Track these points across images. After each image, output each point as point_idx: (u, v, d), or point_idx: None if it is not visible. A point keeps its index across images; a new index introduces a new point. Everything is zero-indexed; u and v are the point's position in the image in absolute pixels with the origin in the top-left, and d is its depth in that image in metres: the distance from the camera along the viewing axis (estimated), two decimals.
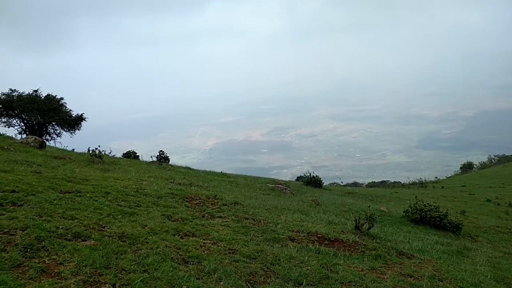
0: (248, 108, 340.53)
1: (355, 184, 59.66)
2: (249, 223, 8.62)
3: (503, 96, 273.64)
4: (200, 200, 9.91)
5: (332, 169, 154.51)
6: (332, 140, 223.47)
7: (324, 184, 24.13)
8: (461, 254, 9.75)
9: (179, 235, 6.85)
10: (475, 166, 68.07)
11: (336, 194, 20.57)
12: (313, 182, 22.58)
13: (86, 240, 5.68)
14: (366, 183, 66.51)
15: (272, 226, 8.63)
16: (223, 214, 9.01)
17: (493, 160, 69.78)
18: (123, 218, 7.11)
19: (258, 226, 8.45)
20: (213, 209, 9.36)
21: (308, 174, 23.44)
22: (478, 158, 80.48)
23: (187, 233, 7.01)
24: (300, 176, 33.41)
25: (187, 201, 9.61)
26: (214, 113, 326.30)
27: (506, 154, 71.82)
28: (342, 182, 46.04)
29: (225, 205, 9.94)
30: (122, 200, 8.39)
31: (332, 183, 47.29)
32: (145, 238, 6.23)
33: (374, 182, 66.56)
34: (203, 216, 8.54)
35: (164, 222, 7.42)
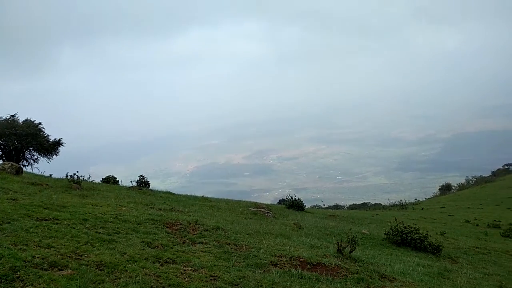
0: (230, 132, 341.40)
1: (336, 207, 59.79)
2: (231, 248, 8.53)
3: (480, 118, 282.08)
4: (181, 226, 9.78)
5: (313, 191, 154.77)
6: (314, 163, 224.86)
7: (306, 207, 24.13)
8: (442, 276, 9.81)
9: (159, 262, 6.73)
10: (453, 188, 69.32)
11: (318, 217, 20.58)
12: (295, 205, 22.57)
13: (62, 270, 5.52)
14: (348, 205, 66.80)
15: (254, 251, 8.55)
16: (205, 240, 8.90)
17: (470, 181, 71.23)
18: (101, 246, 6.95)
19: (240, 252, 8.36)
20: (194, 234, 9.24)
21: (290, 197, 23.43)
22: (456, 179, 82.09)
23: (168, 260, 6.89)
24: (282, 199, 33.40)
25: (167, 227, 9.46)
26: (196, 136, 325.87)
27: (483, 175, 73.52)
28: (324, 205, 46.19)
29: (207, 230, 9.83)
30: (100, 227, 8.21)
31: (314, 205, 47.38)
32: (124, 266, 6.09)
33: (355, 204, 66.92)
34: (184, 242, 8.41)
35: (143, 249, 7.28)
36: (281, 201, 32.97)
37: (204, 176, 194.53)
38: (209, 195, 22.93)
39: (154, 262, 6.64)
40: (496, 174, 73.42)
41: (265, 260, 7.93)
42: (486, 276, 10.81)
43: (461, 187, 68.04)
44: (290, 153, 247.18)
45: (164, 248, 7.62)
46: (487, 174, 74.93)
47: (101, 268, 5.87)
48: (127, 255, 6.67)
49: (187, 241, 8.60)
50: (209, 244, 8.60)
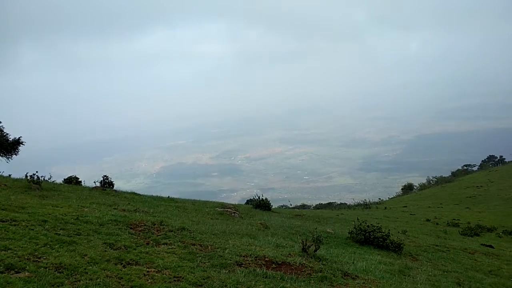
0: (198, 132, 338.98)
1: (303, 206, 60.48)
2: (196, 249, 8.47)
3: (440, 120, 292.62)
4: (145, 227, 9.62)
5: (281, 191, 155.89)
6: (281, 163, 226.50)
7: (273, 207, 24.27)
8: (403, 273, 10.10)
9: (122, 264, 6.59)
10: (415, 187, 71.52)
11: (285, 216, 20.75)
12: (262, 205, 22.65)
13: (19, 272, 5.33)
14: (314, 205, 67.62)
15: (219, 251, 8.53)
16: (169, 240, 8.79)
17: (431, 182, 73.76)
18: (61, 248, 6.74)
19: (205, 252, 8.32)
20: (159, 235, 9.11)
21: (257, 197, 23.50)
22: (417, 179, 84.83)
23: (130, 262, 6.76)
24: (250, 199, 33.47)
25: (131, 228, 9.29)
26: (163, 136, 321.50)
27: (443, 176, 76.29)
28: (290, 205, 46.62)
29: (172, 231, 9.71)
30: (60, 229, 7.96)
31: (281, 205, 47.79)
32: (85, 269, 5.94)
33: (322, 204, 67.83)
34: (147, 244, 8.28)
35: (105, 250, 7.11)
36: (249, 201, 33.04)
37: (170, 177, 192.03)
38: (175, 196, 22.66)
39: (116, 264, 6.50)
40: (455, 174, 76.28)
41: (230, 260, 7.92)
42: (445, 273, 11.19)
43: (422, 187, 70.31)
44: (258, 153, 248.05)
45: (127, 249, 7.47)
46: (447, 174, 77.81)
47: (60, 271, 5.70)
48: (88, 257, 6.50)
49: (151, 242, 8.47)
50: (174, 245, 8.51)
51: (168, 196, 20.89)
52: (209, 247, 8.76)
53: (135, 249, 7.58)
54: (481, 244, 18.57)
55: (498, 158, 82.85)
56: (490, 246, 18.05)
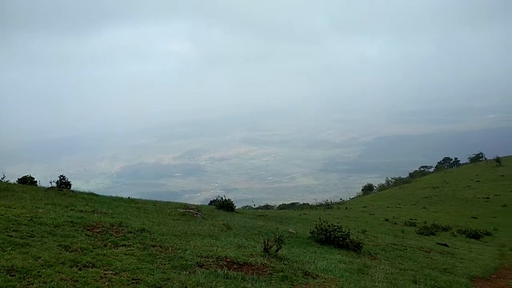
0: (162, 131, 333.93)
1: (266, 207, 60.85)
2: (156, 250, 8.32)
3: (398, 123, 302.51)
4: (103, 228, 9.35)
5: (245, 192, 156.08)
6: (245, 164, 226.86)
7: (236, 208, 24.24)
8: (362, 271, 10.34)
9: (77, 266, 6.37)
10: (374, 188, 73.60)
11: (248, 217, 20.77)
12: (225, 205, 22.57)
13: None
14: (277, 205, 68.22)
15: (180, 252, 8.42)
16: (128, 242, 8.58)
17: (390, 182, 76.17)
18: (13, 250, 6.44)
19: (166, 254, 8.19)
20: (117, 237, 8.88)
21: (221, 198, 23.39)
22: (376, 180, 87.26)
23: (87, 264, 6.55)
24: (213, 200, 33.26)
25: (88, 230, 9.00)
26: (125, 136, 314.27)
27: (401, 177, 78.93)
28: (254, 205, 46.82)
29: (131, 232, 9.49)
30: (13, 230, 7.61)
31: (245, 206, 47.83)
32: (38, 272, 5.70)
33: (285, 204, 68.52)
34: (105, 245, 8.04)
35: (60, 253, 6.86)
36: (212, 202, 32.83)
37: (131, 177, 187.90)
38: (136, 197, 22.19)
39: (71, 267, 6.28)
40: (413, 175, 79.04)
41: (191, 261, 7.84)
42: (402, 271, 11.53)
43: (382, 187, 72.42)
44: (222, 153, 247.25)
45: (83, 251, 7.23)
46: (405, 175, 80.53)
47: (12, 274, 5.44)
48: (42, 260, 6.24)
49: (109, 244, 8.24)
50: (133, 246, 8.32)
51: (129, 197, 20.41)
52: (170, 249, 8.63)
53: (92, 251, 7.35)
54: (437, 243, 19.29)
55: (453, 160, 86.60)
56: (445, 245, 18.77)
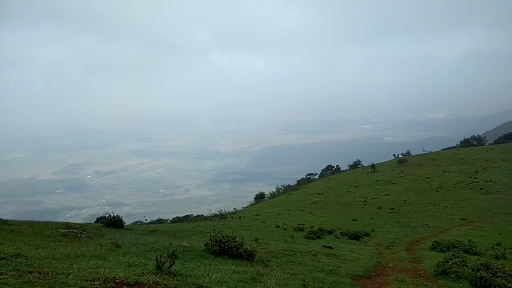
0: (38, 144, 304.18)
1: (159, 221, 59.03)
2: (34, 277, 7.43)
3: (284, 134, 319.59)
4: None
5: (136, 206, 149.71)
6: (136, 177, 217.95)
7: (126, 224, 22.97)
8: (255, 280, 10.50)
9: None
10: (266, 196, 76.23)
11: (139, 233, 19.81)
12: (113, 222, 21.23)
13: None
14: (171, 218, 66.64)
15: (62, 277, 7.64)
16: (1, 270, 7.54)
17: (280, 190, 79.66)
18: None
19: (45, 280, 7.36)
20: None
21: (108, 215, 21.97)
22: (265, 188, 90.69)
23: None
24: (100, 217, 31.19)
25: None
26: None
27: (290, 184, 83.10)
28: (146, 220, 45.01)
29: (4, 258, 8.36)
30: None
31: (136, 221, 45.77)
32: None
33: (178, 217, 67.26)
34: None
35: None
36: (99, 219, 30.75)
37: (3, 195, 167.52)
38: (9, 217, 19.70)
39: None
40: (300, 182, 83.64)
41: (74, 286, 7.16)
42: (293, 276, 11.96)
43: (273, 195, 75.24)
44: (109, 167, 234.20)
45: None
46: (293, 183, 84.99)
47: None
48: None
49: None
50: (6, 274, 7.31)
51: (0, 218, 18.07)
52: (50, 274, 7.78)
53: None
54: (323, 246, 20.37)
55: (335, 167, 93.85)
56: (330, 247, 19.92)
